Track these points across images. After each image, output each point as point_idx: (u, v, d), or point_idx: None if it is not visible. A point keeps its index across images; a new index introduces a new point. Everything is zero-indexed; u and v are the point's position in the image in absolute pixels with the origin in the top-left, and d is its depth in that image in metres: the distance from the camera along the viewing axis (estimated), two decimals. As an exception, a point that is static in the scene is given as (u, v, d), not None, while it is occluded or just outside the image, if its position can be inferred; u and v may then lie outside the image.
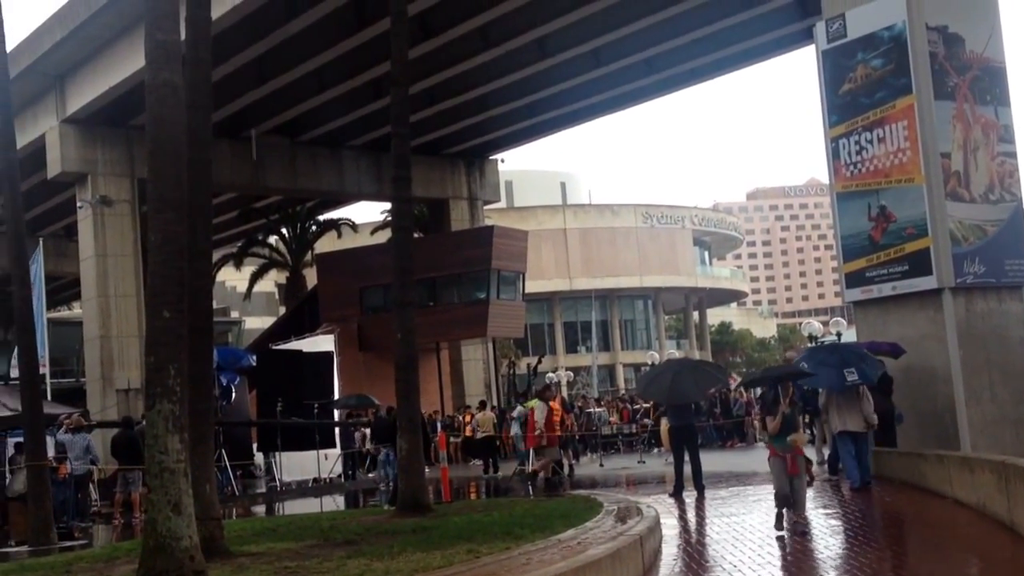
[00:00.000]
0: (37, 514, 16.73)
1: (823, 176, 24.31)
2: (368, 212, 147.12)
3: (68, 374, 54.46)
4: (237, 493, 26.49)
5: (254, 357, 31.64)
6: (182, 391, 8.60)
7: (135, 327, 34.53)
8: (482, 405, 32.87)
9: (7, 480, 21.61)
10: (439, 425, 32.33)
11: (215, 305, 20.53)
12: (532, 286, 51.70)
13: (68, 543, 16.63)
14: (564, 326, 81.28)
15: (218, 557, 9.94)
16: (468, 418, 35.00)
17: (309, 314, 44.44)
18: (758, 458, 23.07)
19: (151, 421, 8.49)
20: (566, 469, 24.88)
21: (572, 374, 69.46)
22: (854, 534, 11.76)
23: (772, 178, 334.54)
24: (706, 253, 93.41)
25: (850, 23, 18.98)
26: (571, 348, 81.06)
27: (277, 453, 29.54)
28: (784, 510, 11.79)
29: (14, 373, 32.97)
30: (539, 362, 29.99)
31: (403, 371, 15.30)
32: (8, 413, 22.29)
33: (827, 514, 13.74)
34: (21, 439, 19.32)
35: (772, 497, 14.80)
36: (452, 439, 32.68)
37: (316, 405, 30.12)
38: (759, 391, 18.31)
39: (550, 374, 61.05)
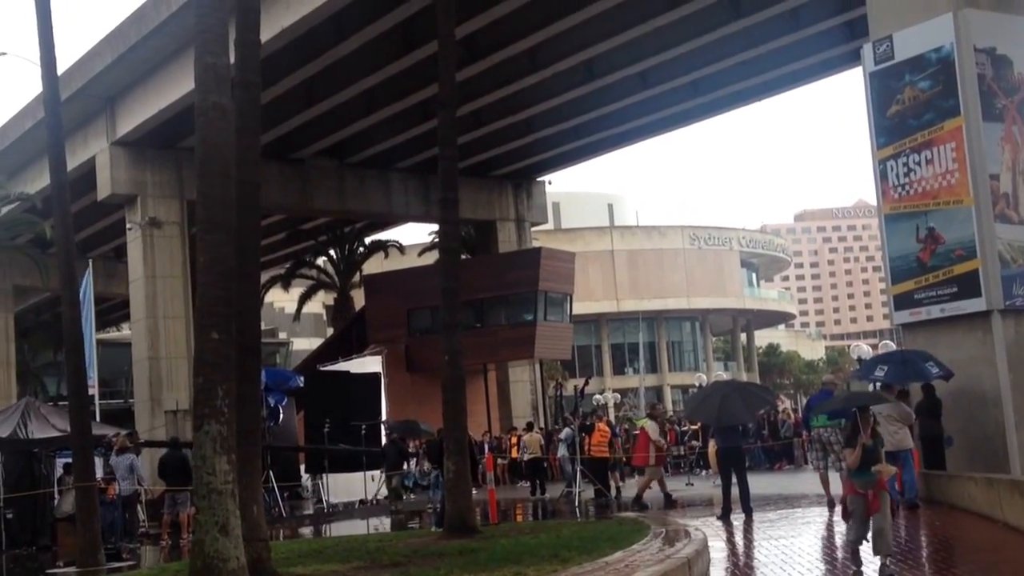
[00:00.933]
0: (85, 535, 16.82)
1: (871, 198, 24.13)
2: (416, 233, 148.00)
3: (117, 395, 55.02)
4: (284, 514, 26.56)
5: (302, 378, 31.79)
6: (230, 412, 8.60)
7: (184, 348, 34.79)
8: (529, 427, 32.74)
9: (56, 501, 21.85)
10: (486, 447, 32.25)
11: (263, 326, 20.60)
12: (579, 307, 51.58)
13: (116, 564, 16.73)
14: (611, 347, 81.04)
15: (264, 579, 9.91)
16: (515, 440, 34.92)
17: (357, 335, 44.59)
18: (807, 480, 22.80)
19: (199, 442, 8.49)
20: (613, 491, 24.68)
21: (619, 396, 69.23)
22: (903, 557, 11.53)
23: (820, 200, 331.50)
24: (754, 275, 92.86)
25: (897, 45, 18.76)
26: (618, 370, 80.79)
27: (324, 474, 29.59)
28: (860, 547, 10.63)
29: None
30: (586, 383, 29.82)
31: (450, 393, 15.25)
32: (57, 434, 22.51)
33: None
34: (70, 460, 19.50)
35: (823, 519, 14.62)
36: (499, 461, 32.59)
37: (363, 426, 30.15)
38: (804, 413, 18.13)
39: (597, 396, 60.88)
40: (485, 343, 38.82)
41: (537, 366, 45.51)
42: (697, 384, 49.15)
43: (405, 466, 26.60)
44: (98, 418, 27.21)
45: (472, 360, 31.84)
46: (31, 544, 22.17)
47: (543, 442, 31.07)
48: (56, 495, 21.96)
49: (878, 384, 17.39)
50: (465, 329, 19.34)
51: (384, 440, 30.44)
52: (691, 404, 25.63)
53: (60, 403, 32.66)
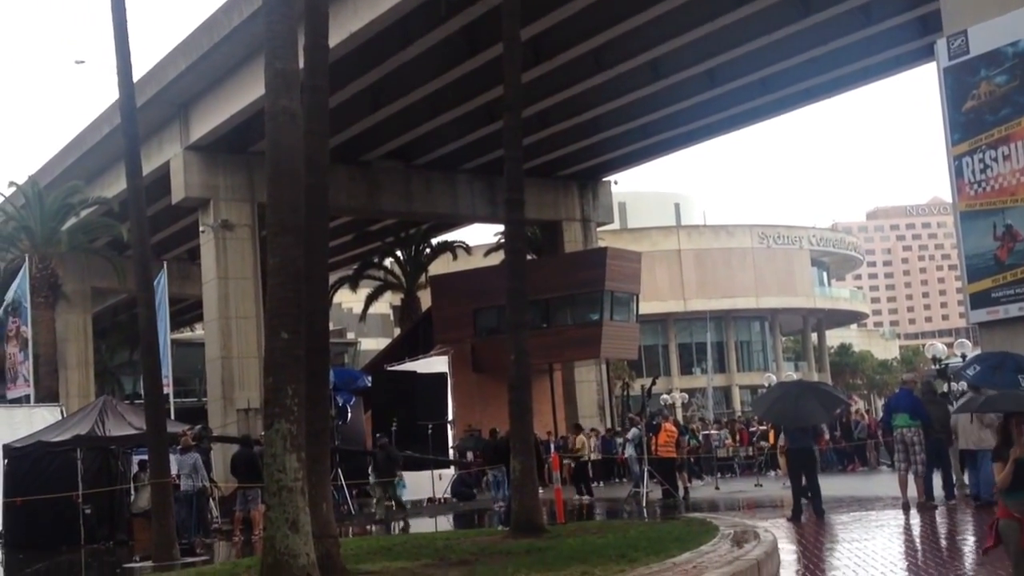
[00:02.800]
0: (160, 530, 17.15)
1: (946, 194, 23.66)
2: (482, 234, 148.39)
3: (191, 394, 55.92)
4: (353, 512, 26.81)
5: (369, 378, 32.05)
6: (300, 411, 8.72)
7: (255, 348, 35.27)
8: (576, 428, 32.74)
9: (132, 497, 22.29)
10: (552, 446, 32.28)
11: (331, 327, 20.85)
12: (646, 307, 51.36)
13: (190, 559, 16.98)
14: (679, 347, 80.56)
15: (335, 575, 10.03)
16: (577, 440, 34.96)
17: (423, 335, 44.85)
18: (881, 482, 22.52)
19: (270, 440, 8.63)
20: (681, 492, 24.60)
21: (687, 396, 68.76)
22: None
23: (893, 197, 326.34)
24: (825, 274, 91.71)
25: (972, 40, 18.46)
26: (686, 370, 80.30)
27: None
28: None
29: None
30: (653, 383, 29.74)
31: (516, 392, 15.31)
32: (133, 432, 22.99)
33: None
34: (145, 457, 19.89)
35: (897, 523, 14.43)
36: (566, 461, 32.59)
37: (430, 426, 30.33)
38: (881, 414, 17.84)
39: (664, 396, 60.60)
40: (551, 343, 38.84)
41: (603, 366, 45.40)
42: (766, 384, 48.73)
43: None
44: (172, 416, 27.72)
45: (538, 360, 31.88)
46: (108, 539, 22.64)
47: (594, 442, 30.95)
48: (132, 491, 22.39)
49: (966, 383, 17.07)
50: (531, 329, 19.39)
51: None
52: (763, 404, 25.38)
53: (136, 401, 33.31)
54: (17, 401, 34.13)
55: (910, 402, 17.55)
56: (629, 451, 27.28)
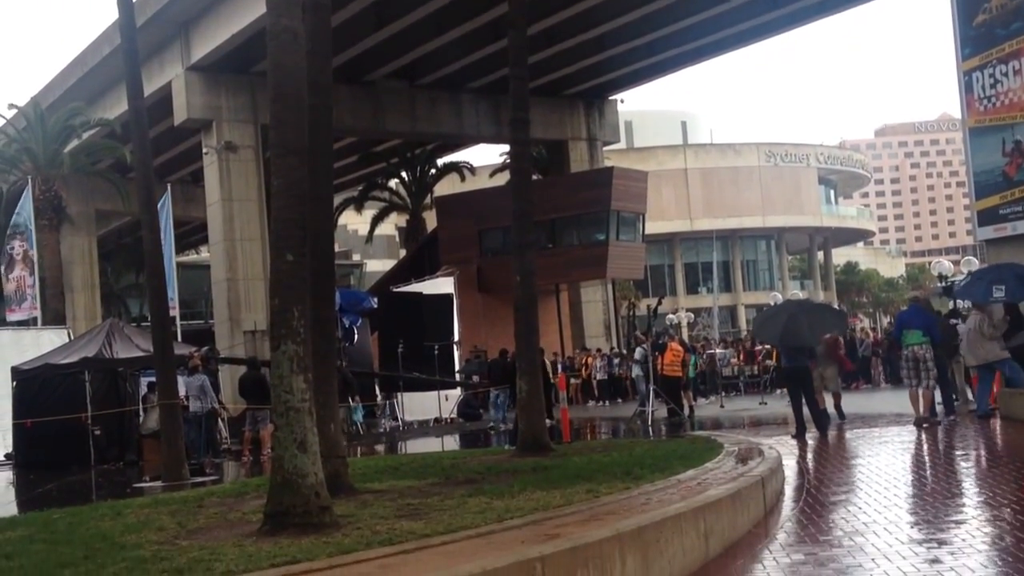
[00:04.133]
0: (170, 451, 17.33)
1: (955, 110, 23.20)
2: (487, 155, 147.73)
3: (197, 316, 56.20)
4: (361, 432, 27.07)
5: (375, 299, 32.13)
6: (306, 333, 8.73)
7: (260, 270, 35.37)
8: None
9: (141, 418, 22.52)
10: (559, 366, 32.49)
11: (337, 248, 20.89)
12: (652, 227, 51.33)
13: (200, 479, 17.19)
14: (685, 267, 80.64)
15: (343, 493, 10.15)
16: (587, 360, 35.14)
17: (429, 257, 44.93)
18: (884, 400, 22.69)
19: (276, 362, 8.66)
20: (686, 410, 24.78)
21: (692, 315, 69.00)
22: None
23: (902, 114, 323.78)
24: (832, 192, 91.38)
25: (985, -50, 18.17)
26: (692, 289, 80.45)
27: (399, 394, 30.07)
28: None
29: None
30: (659, 303, 29.76)
31: (522, 313, 15.32)
32: (140, 354, 23.14)
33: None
34: (153, 379, 20.04)
35: (900, 439, 14.53)
36: (572, 380, 32.81)
37: (436, 347, 30.50)
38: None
39: (670, 315, 60.77)
40: (557, 263, 38.90)
41: (609, 286, 45.52)
42: (772, 303, 48.82)
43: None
44: (179, 338, 27.88)
45: (544, 280, 31.95)
46: (118, 459, 22.93)
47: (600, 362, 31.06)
48: (141, 413, 22.60)
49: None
50: (537, 249, 19.36)
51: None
52: (758, 322, 25.43)
53: (143, 324, 33.49)
54: (24, 324, 34.31)
55: (923, 319, 17.50)
56: (636, 371, 27.44)
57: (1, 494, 20.27)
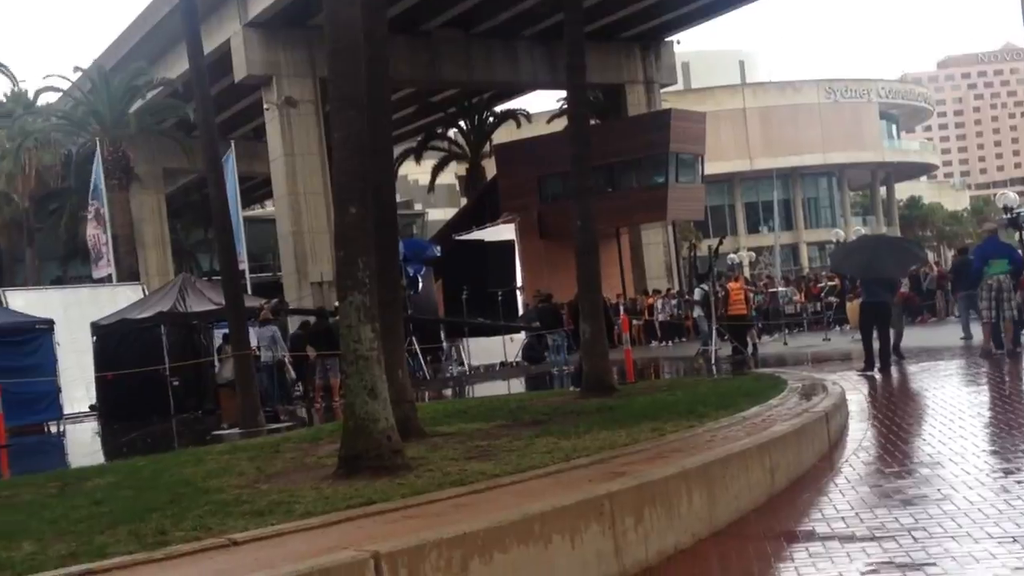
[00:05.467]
0: (245, 399, 17.80)
1: (1019, 39, 22.66)
2: (544, 101, 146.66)
3: (265, 269, 56.94)
4: (428, 378, 27.45)
5: (438, 248, 32.39)
6: (371, 283, 8.91)
7: (325, 222, 35.75)
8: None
9: (216, 368, 23.08)
10: (621, 309, 32.57)
11: (399, 199, 21.08)
12: (711, 168, 50.94)
13: (275, 425, 17.62)
14: (745, 207, 79.91)
15: (413, 437, 10.39)
16: (650, 301, 35.19)
17: (490, 204, 45.03)
18: (950, 333, 22.49)
19: (344, 312, 8.85)
20: (750, 348, 24.80)
21: (754, 254, 68.47)
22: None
23: (964, 45, 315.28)
24: (894, 126, 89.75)
25: None
26: (752, 228, 79.76)
27: (464, 339, 30.40)
28: None
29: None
30: (720, 243, 29.65)
31: (583, 257, 15.42)
32: (212, 307, 23.67)
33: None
34: (226, 330, 20.53)
35: (965, 371, 14.47)
36: (634, 322, 32.90)
37: (499, 293, 30.74)
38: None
39: (732, 255, 60.42)
40: (617, 207, 38.83)
41: (670, 228, 45.35)
42: (835, 240, 48.35)
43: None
44: (249, 291, 28.39)
45: (605, 224, 31.97)
46: (196, 409, 23.59)
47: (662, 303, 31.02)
48: (216, 363, 23.15)
49: None
50: (597, 194, 19.42)
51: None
52: (838, 256, 25.18)
53: (213, 278, 34.07)
54: (101, 281, 35.10)
55: (1005, 248, 17.38)
56: (697, 311, 27.46)
57: (88, 443, 20.99)
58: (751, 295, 27.59)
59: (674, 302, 35.19)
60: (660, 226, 44.44)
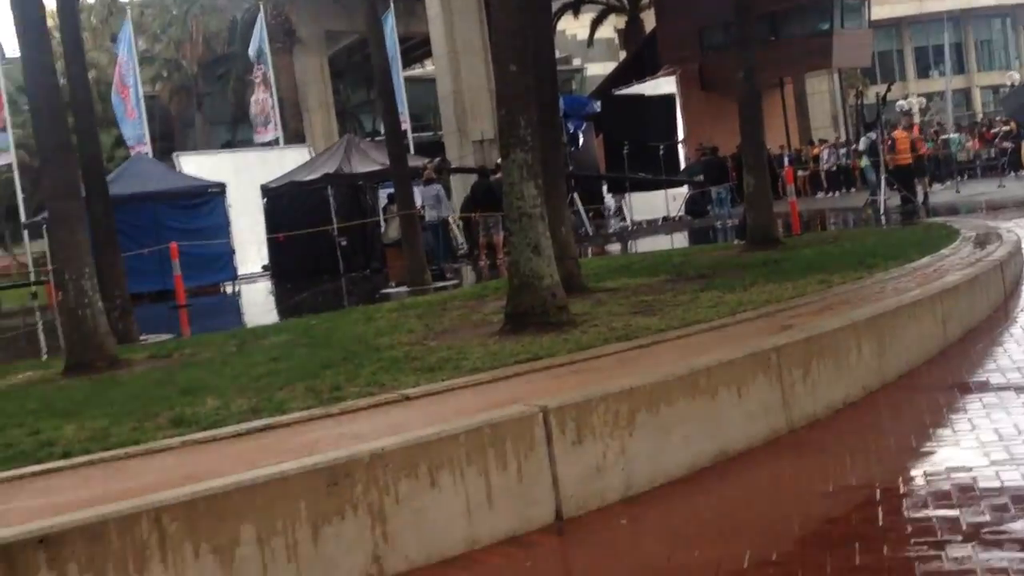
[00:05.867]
0: (411, 258, 18.19)
1: None
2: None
3: (426, 128, 57.36)
4: (591, 234, 27.50)
5: (598, 103, 32.05)
6: (533, 140, 8.89)
7: (484, 80, 35.64)
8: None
9: (382, 228, 23.62)
10: (786, 159, 31.76)
11: (557, 54, 20.75)
12: (879, 12, 48.58)
13: (441, 283, 18.00)
14: (914, 51, 76.05)
15: (577, 293, 10.46)
16: (816, 151, 34.22)
17: (649, 57, 44.11)
18: None
19: (507, 170, 8.88)
20: (920, 197, 23.93)
21: (924, 100, 65.39)
22: None
23: None
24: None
25: None
26: (922, 73, 76.02)
27: (626, 195, 30.23)
28: None
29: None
30: (888, 90, 28.30)
31: (746, 108, 15.03)
32: (377, 167, 24.09)
33: None
34: (391, 190, 20.90)
35: None
36: (799, 173, 32.09)
37: (661, 147, 30.31)
38: None
39: (901, 102, 57.76)
40: (780, 56, 37.52)
41: (836, 75, 43.72)
42: (1009, 84, 45.75)
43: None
44: (412, 151, 28.77)
45: (768, 74, 30.98)
46: (364, 268, 24.28)
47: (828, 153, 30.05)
48: (382, 223, 23.69)
49: None
50: (760, 43, 18.77)
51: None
52: (1012, 100, 23.95)
53: (377, 138, 34.57)
54: (268, 144, 36.06)
55: None
56: (864, 160, 26.54)
57: (263, 302, 21.91)
58: (921, 142, 26.45)
59: (843, 151, 34.06)
60: (825, 74, 42.89)
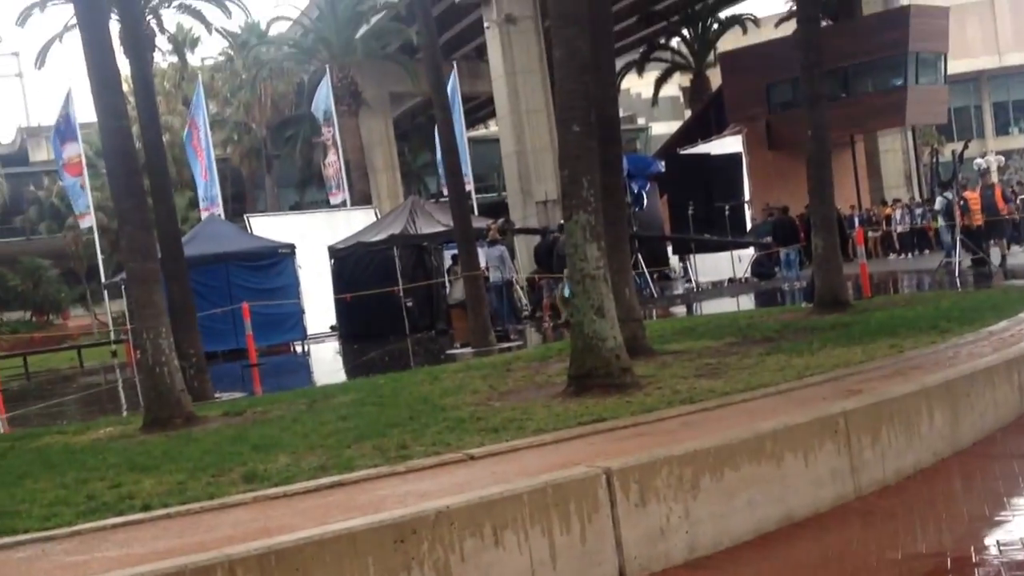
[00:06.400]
0: (476, 319, 18.25)
1: None
2: (772, 4, 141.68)
3: (490, 189, 57.87)
4: (655, 295, 27.37)
5: (663, 163, 32.04)
6: (596, 201, 8.91)
7: (548, 140, 35.87)
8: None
9: (447, 289, 23.75)
10: (856, 220, 31.45)
11: (621, 113, 20.86)
12: (955, 66, 48.09)
13: (505, 344, 18.03)
14: (993, 107, 75.11)
15: (641, 355, 10.42)
16: (888, 212, 33.84)
17: (715, 116, 44.10)
18: None
19: (570, 231, 8.90)
20: (997, 259, 23.49)
21: (1003, 158, 64.47)
22: None
23: None
24: None
25: None
26: (1001, 130, 74.99)
27: (691, 256, 30.10)
28: None
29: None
30: (965, 147, 27.94)
31: (815, 168, 14.92)
32: (441, 228, 24.29)
33: None
34: (455, 251, 21.03)
35: None
36: (870, 234, 31.75)
37: (727, 207, 30.19)
38: None
39: (978, 159, 57.06)
40: (851, 113, 37.30)
41: (909, 133, 43.26)
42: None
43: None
44: (476, 211, 28.98)
45: (838, 132, 30.78)
46: (429, 328, 24.41)
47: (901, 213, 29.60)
48: (447, 284, 23.83)
49: None
50: (829, 100, 18.66)
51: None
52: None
53: (441, 200, 34.95)
54: (335, 207, 36.56)
55: None
56: (940, 221, 26.15)
57: (331, 361, 22.10)
58: (1003, 202, 25.98)
59: (919, 211, 33.61)
60: (898, 132, 42.44)
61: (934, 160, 41.67)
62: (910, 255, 32.71)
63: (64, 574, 4.19)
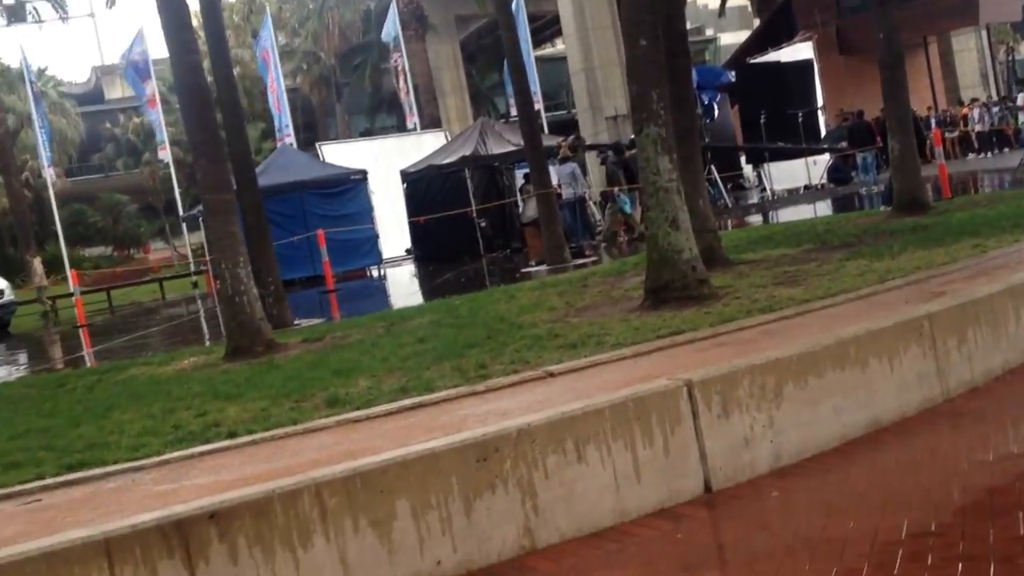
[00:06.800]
0: (550, 236, 18.26)
1: None
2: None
3: (559, 107, 57.34)
4: (729, 205, 27.11)
5: (733, 73, 31.50)
6: (666, 114, 8.82)
7: (615, 56, 35.38)
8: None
9: (520, 208, 23.77)
10: (932, 122, 30.73)
11: (688, 25, 20.47)
12: (1032, -41, 46.30)
13: (580, 260, 18.00)
14: (1074, -1, 72.40)
15: (718, 265, 10.36)
16: (964, 112, 33.01)
17: (784, 23, 43.02)
18: None
19: (641, 145, 8.84)
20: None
21: (1085, 52, 62.30)
22: None
23: None
24: None
25: None
26: (1083, 23, 72.36)
27: (765, 164, 29.69)
28: None
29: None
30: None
31: (888, 70, 14.59)
32: (512, 148, 24.23)
33: None
34: (527, 170, 21.00)
35: None
36: (947, 135, 31.01)
37: (800, 115, 29.64)
38: None
39: (1058, 54, 55.21)
40: (923, 13, 36.20)
41: (984, 32, 41.91)
42: None
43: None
44: (546, 130, 28.81)
45: (910, 33, 29.99)
46: (504, 248, 24.50)
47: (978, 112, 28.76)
48: (520, 203, 23.83)
49: None
50: (899, 1, 18.15)
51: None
52: None
53: (511, 119, 34.76)
54: (406, 131, 36.56)
55: None
56: (1021, 118, 25.45)
57: (407, 285, 22.32)
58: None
59: (996, 109, 32.70)
60: (972, 31, 41.15)
61: (1010, 58, 40.46)
62: (989, 154, 31.93)
63: (155, 503, 4.29)
